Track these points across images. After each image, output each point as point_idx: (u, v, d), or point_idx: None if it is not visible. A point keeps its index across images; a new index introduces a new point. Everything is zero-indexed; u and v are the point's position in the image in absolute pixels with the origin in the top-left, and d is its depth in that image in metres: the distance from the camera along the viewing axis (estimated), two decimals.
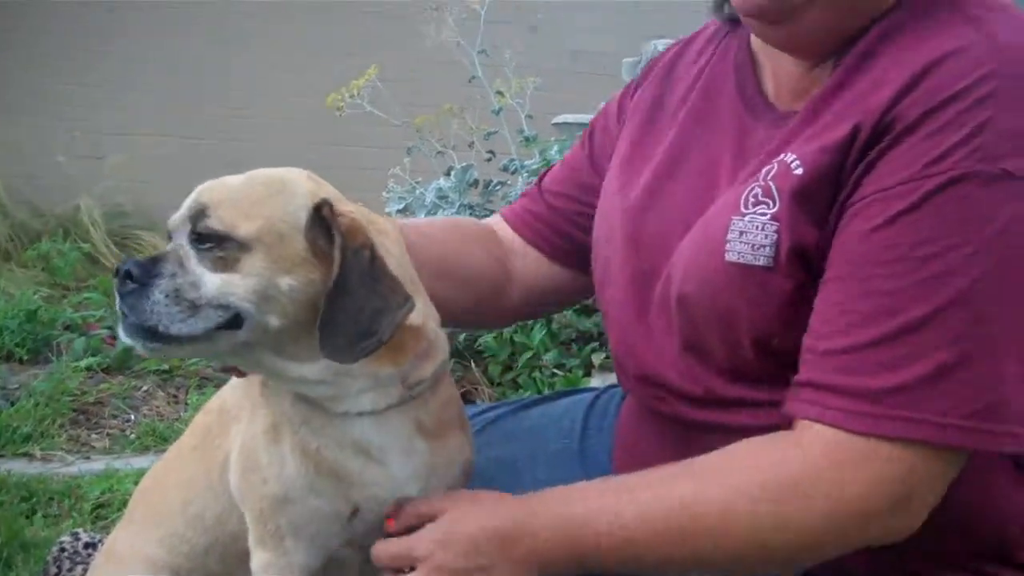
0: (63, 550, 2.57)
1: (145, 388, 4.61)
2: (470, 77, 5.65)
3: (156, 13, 7.98)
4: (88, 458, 3.88)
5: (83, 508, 3.26)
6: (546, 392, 3.62)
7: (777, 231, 1.62)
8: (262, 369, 1.69)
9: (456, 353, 4.63)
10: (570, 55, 8.64)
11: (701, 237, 1.72)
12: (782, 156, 1.65)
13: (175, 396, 4.64)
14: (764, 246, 1.62)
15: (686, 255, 1.74)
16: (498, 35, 5.86)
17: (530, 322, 4.53)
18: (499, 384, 4.58)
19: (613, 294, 1.97)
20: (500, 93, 5.62)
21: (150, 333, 1.55)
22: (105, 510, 3.35)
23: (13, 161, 7.29)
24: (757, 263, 1.63)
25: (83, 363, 4.67)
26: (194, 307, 1.56)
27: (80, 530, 2.69)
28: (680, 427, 1.88)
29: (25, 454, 3.86)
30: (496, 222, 2.29)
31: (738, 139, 1.81)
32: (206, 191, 1.64)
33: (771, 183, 1.64)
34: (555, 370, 4.47)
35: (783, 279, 1.62)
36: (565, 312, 4.56)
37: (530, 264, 2.23)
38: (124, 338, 1.59)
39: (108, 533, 2.12)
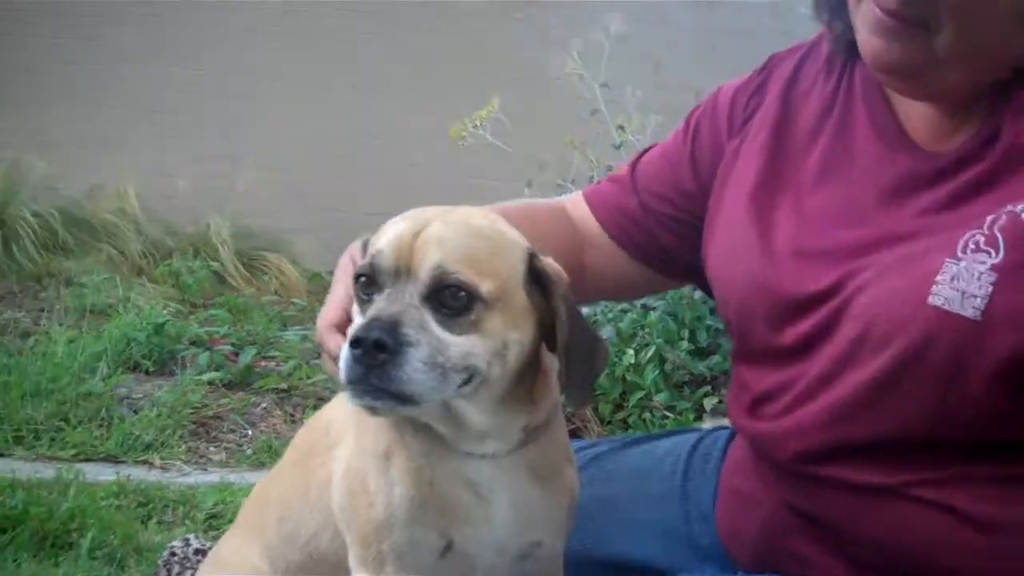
0: (173, 554, 2.68)
1: (264, 405, 4.74)
2: (592, 111, 5.70)
3: (288, 39, 8.22)
4: (205, 469, 4.00)
5: (196, 517, 3.37)
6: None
7: (994, 283, 1.54)
8: (440, 419, 1.69)
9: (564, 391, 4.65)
10: (693, 94, 8.61)
11: (901, 277, 1.63)
12: (1011, 207, 1.57)
13: (292, 415, 4.76)
14: (975, 296, 1.54)
15: (871, 293, 1.66)
16: (621, 71, 5.91)
17: (643, 362, 4.53)
18: (609, 423, 4.58)
19: (749, 329, 1.91)
20: (621, 128, 5.65)
21: (399, 398, 1.53)
22: (217, 520, 3.46)
23: (148, 182, 7.57)
24: (964, 313, 1.55)
25: (205, 377, 4.83)
26: (443, 372, 1.54)
27: (191, 536, 2.80)
28: (795, 478, 1.85)
29: (145, 462, 4.00)
30: (575, 204, 2.21)
31: (878, 175, 1.77)
32: (435, 245, 1.59)
33: (997, 233, 1.56)
34: (666, 412, 4.46)
35: (991, 336, 1.54)
36: (679, 353, 4.55)
37: (606, 257, 2.18)
38: (363, 402, 1.55)
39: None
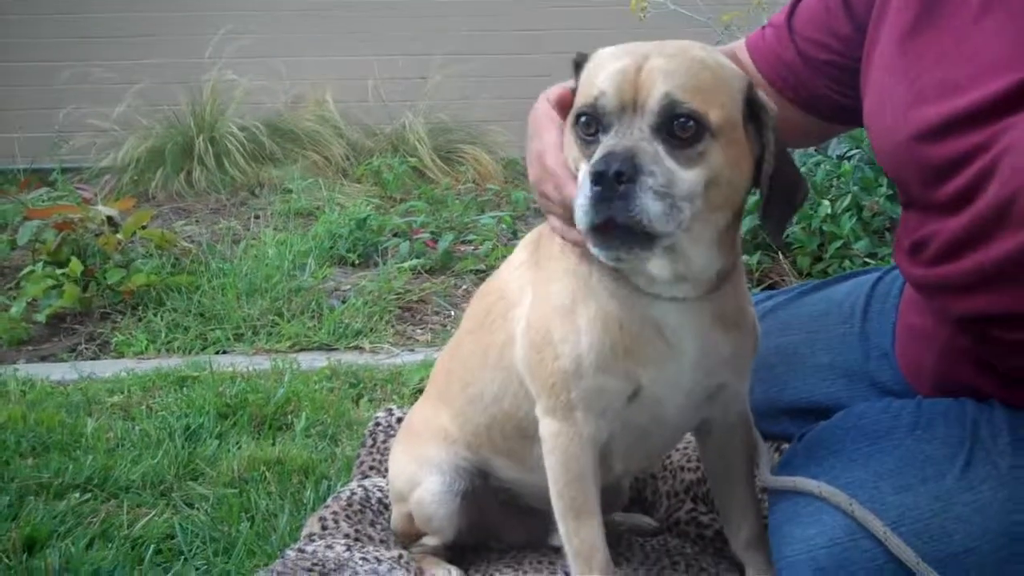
0: (378, 424, 2.82)
1: (464, 286, 4.87)
2: None
3: None
4: (412, 350, 4.14)
5: (403, 392, 3.50)
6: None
7: None
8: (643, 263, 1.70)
9: (763, 245, 4.61)
10: None
11: None
12: None
13: None
14: None
15: (1021, 154, 1.58)
16: None
17: (839, 211, 4.43)
18: (808, 275, 4.52)
19: (903, 180, 1.87)
20: None
21: (642, 238, 1.54)
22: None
23: (345, 88, 7.78)
24: None
25: (407, 265, 4.99)
26: (673, 204, 1.55)
27: (393, 407, 2.93)
28: (957, 323, 1.84)
29: (356, 347, 4.17)
30: (740, 51, 2.15)
31: None
32: (661, 77, 1.59)
33: None
34: (867, 259, 4.36)
35: None
36: (876, 199, 4.44)
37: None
38: (609, 252, 1.57)
39: None
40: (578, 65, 1.76)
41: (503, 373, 1.97)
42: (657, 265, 1.70)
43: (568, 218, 1.69)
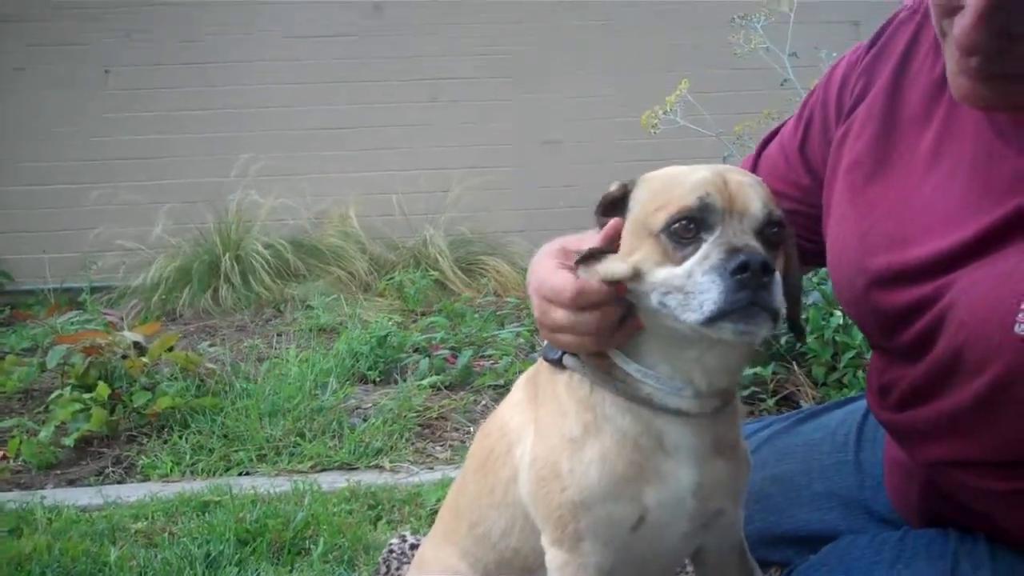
0: (391, 551, 2.87)
1: (483, 402, 4.92)
2: (782, 80, 5.65)
3: (482, 50, 8.48)
4: (431, 468, 4.18)
5: (420, 514, 3.54)
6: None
7: None
8: (693, 356, 1.77)
9: (777, 356, 4.66)
10: None
11: (989, 299, 1.60)
12: None
13: None
14: None
15: (965, 310, 1.64)
16: (816, 34, 5.85)
17: (850, 322, 4.49)
18: (824, 384, 4.55)
19: (862, 325, 1.95)
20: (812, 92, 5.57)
21: (772, 317, 1.61)
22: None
23: (368, 203, 7.97)
24: None
25: (427, 381, 5.06)
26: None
27: (407, 533, 2.98)
28: (940, 468, 1.88)
29: (376, 466, 4.22)
30: None
31: (985, 167, 1.69)
32: (751, 188, 1.72)
33: None
34: None
35: None
36: None
37: None
38: (746, 327, 1.60)
39: None
40: (623, 194, 1.83)
41: (509, 510, 2.00)
42: (697, 361, 1.77)
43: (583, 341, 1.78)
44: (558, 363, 1.90)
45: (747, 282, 1.58)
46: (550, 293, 1.84)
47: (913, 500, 2.03)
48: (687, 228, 1.67)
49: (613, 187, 1.84)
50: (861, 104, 1.91)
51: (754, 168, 2.17)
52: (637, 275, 1.73)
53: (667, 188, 1.74)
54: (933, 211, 1.73)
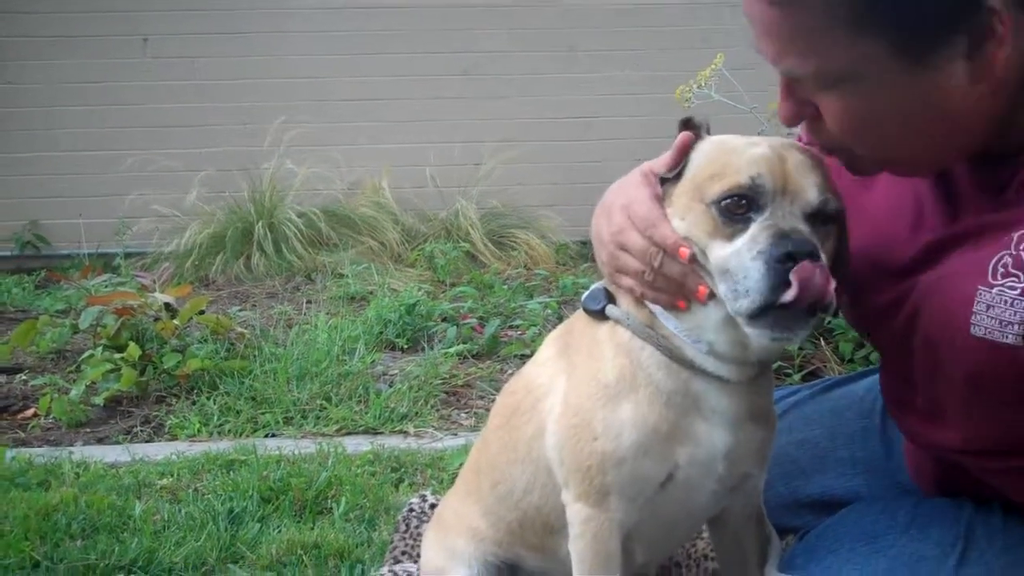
0: (411, 510, 2.89)
1: (509, 371, 4.94)
2: None
3: (512, 29, 8.47)
4: (455, 434, 4.21)
5: (443, 477, 3.57)
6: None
7: None
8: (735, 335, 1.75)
9: None
10: None
11: (944, 300, 1.64)
12: None
13: None
14: (1011, 323, 1.53)
15: (927, 315, 1.68)
16: None
17: None
18: (851, 361, 4.54)
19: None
20: None
21: (821, 309, 1.60)
22: None
23: (401, 174, 7.99)
24: (1005, 340, 1.54)
25: (453, 350, 5.09)
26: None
27: (427, 492, 3.00)
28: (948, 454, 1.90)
29: (401, 431, 4.25)
30: None
31: (944, 180, 1.74)
32: (810, 170, 1.69)
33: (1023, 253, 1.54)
34: None
35: None
36: None
37: None
38: (789, 335, 1.61)
39: None
40: (687, 127, 1.80)
41: (532, 466, 2.00)
42: (735, 338, 1.76)
43: (647, 275, 1.77)
44: (600, 314, 1.89)
45: (792, 270, 1.56)
46: (641, 220, 1.80)
47: (932, 472, 2.05)
48: (738, 204, 1.66)
49: (683, 131, 1.80)
50: None
51: None
52: (689, 233, 1.73)
53: (723, 157, 1.72)
54: (900, 219, 1.78)
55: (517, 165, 8.04)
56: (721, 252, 1.66)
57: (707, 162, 1.75)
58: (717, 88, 5.61)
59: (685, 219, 1.74)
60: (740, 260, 1.62)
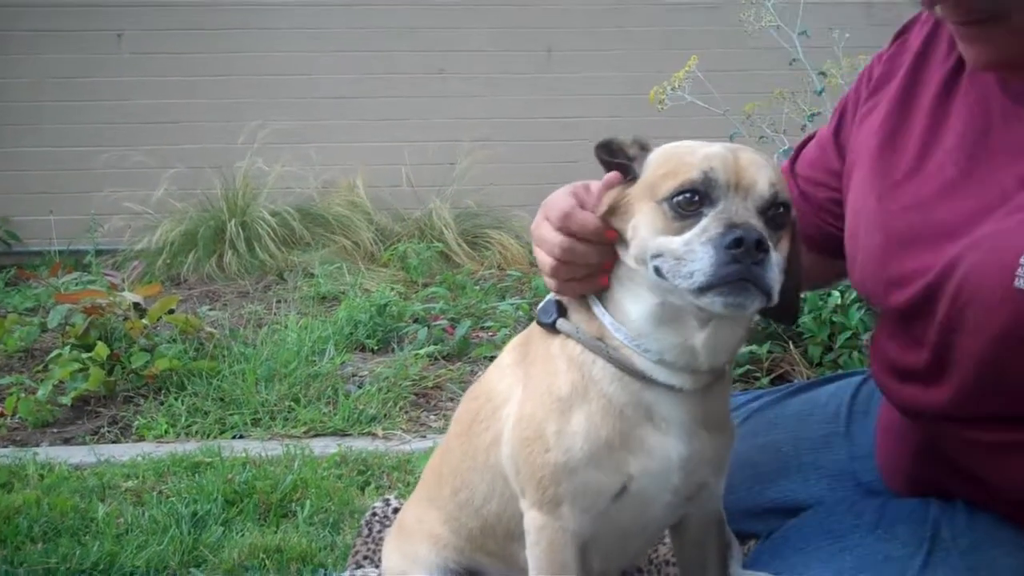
0: (374, 514, 2.88)
1: (480, 373, 4.90)
2: (790, 60, 5.63)
3: (487, 26, 8.47)
4: (424, 437, 4.20)
5: (409, 480, 3.55)
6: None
7: None
8: (695, 331, 1.75)
9: (774, 335, 4.66)
10: None
11: (990, 253, 1.64)
12: None
13: None
14: None
15: (969, 269, 1.67)
16: (827, 13, 5.83)
17: (848, 302, 4.49)
18: (819, 364, 4.55)
19: (869, 290, 1.95)
20: (822, 73, 5.55)
21: (764, 296, 1.61)
22: None
23: (376, 173, 7.96)
24: None
25: (424, 351, 5.07)
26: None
27: (391, 497, 3.00)
28: (931, 428, 1.91)
29: (369, 433, 4.24)
30: None
31: (1002, 130, 1.74)
32: (761, 166, 1.71)
33: None
34: None
35: None
36: None
37: None
38: (737, 299, 1.60)
39: None
40: (635, 154, 1.81)
41: (490, 474, 2.00)
42: (699, 338, 1.76)
43: (559, 266, 1.80)
44: (551, 327, 1.89)
45: (740, 257, 1.57)
46: (549, 209, 1.85)
47: (904, 464, 2.06)
48: (690, 201, 1.66)
49: (631, 140, 1.82)
50: (883, 88, 1.96)
51: (793, 162, 2.22)
52: (635, 233, 1.73)
53: (677, 157, 1.73)
54: (943, 177, 1.77)
55: (492, 165, 8.02)
56: (667, 240, 1.67)
57: (659, 163, 1.76)
58: (691, 90, 5.63)
59: (634, 218, 1.75)
60: (690, 247, 1.63)
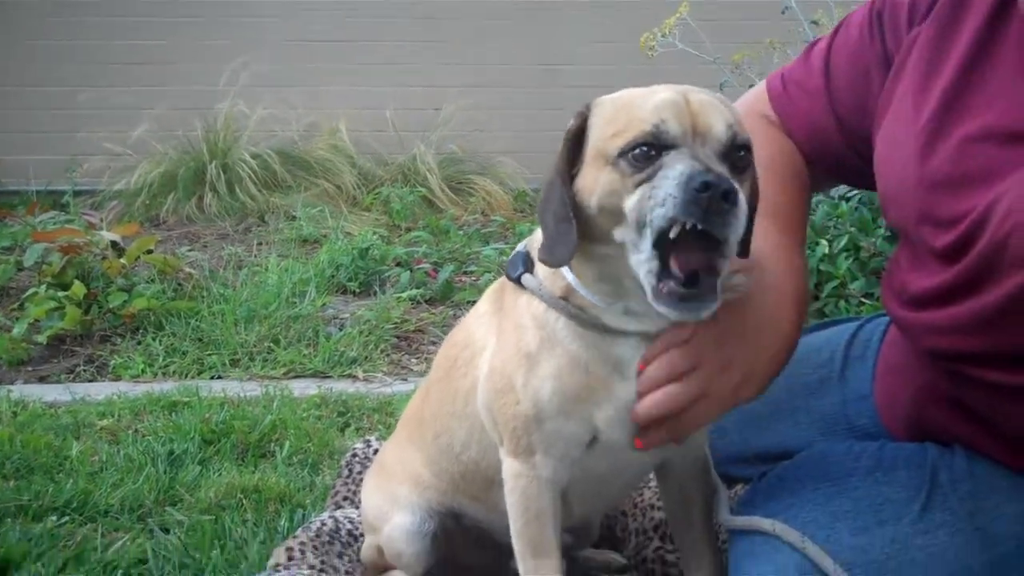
0: (355, 455, 2.83)
1: (462, 317, 4.87)
2: (783, 8, 5.55)
3: None
4: (405, 380, 4.16)
5: (390, 423, 3.51)
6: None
7: None
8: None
9: None
10: None
11: None
12: None
13: None
14: None
15: (1013, 201, 1.59)
16: None
17: (836, 251, 4.44)
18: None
19: (903, 225, 1.85)
20: (815, 22, 5.48)
21: (719, 248, 1.53)
22: None
23: (359, 118, 7.86)
24: None
25: (406, 295, 5.02)
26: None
27: (371, 438, 2.94)
28: (940, 365, 1.85)
29: (350, 375, 4.19)
30: (765, 105, 2.09)
31: None
32: (716, 109, 1.61)
33: None
34: (863, 299, 4.36)
35: None
36: (874, 240, 4.44)
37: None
38: (694, 310, 1.55)
39: None
40: (582, 123, 1.70)
41: (468, 421, 1.98)
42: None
43: None
44: (517, 281, 1.84)
45: (705, 203, 1.49)
46: None
47: (903, 404, 2.01)
48: (646, 155, 1.57)
49: (571, 121, 1.71)
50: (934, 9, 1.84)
51: (827, 89, 2.02)
52: (606, 212, 1.63)
53: (623, 111, 1.63)
54: (988, 110, 1.68)
55: (477, 111, 7.93)
56: (634, 198, 1.57)
57: (607, 121, 1.65)
58: (681, 37, 5.55)
59: (595, 190, 1.64)
60: (654, 185, 1.54)
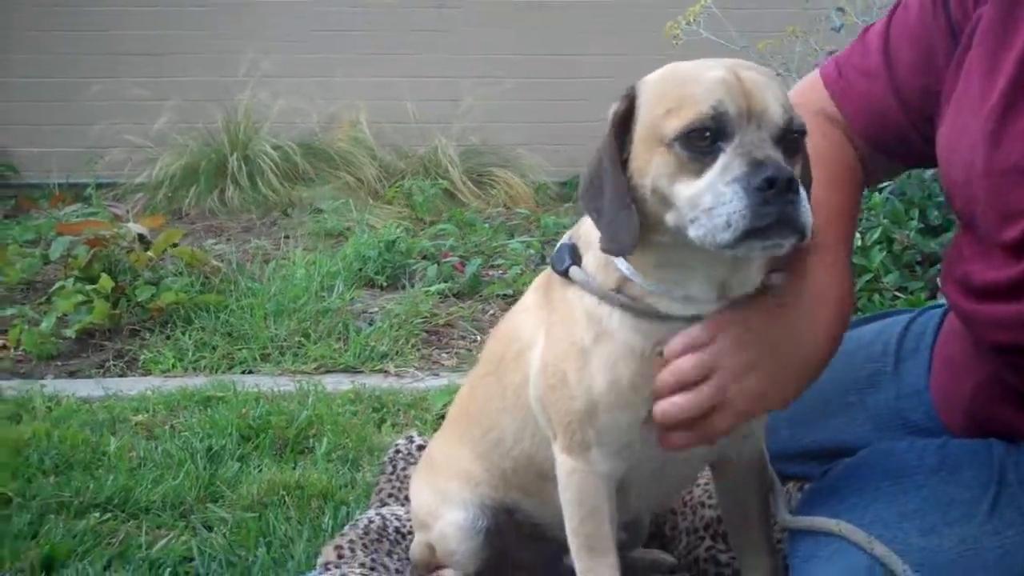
0: (398, 451, 2.81)
1: (491, 311, 4.86)
2: None
3: None
4: (436, 374, 4.13)
5: (426, 418, 3.49)
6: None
7: None
8: (719, 268, 1.67)
9: None
10: None
11: None
12: None
13: None
14: None
15: None
16: None
17: (869, 243, 4.40)
18: (859, 311, 4.48)
19: (970, 213, 1.79)
20: (841, 9, 5.44)
21: (799, 233, 1.52)
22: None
23: (379, 109, 7.82)
24: None
25: (434, 288, 5.00)
26: None
27: (414, 434, 2.93)
28: (1002, 357, 1.82)
29: (381, 370, 4.17)
30: (814, 91, 2.04)
31: None
32: (770, 89, 1.58)
33: None
34: (896, 292, 4.31)
35: None
36: (908, 233, 4.39)
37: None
38: (773, 242, 1.52)
39: None
40: (629, 106, 1.67)
41: (520, 414, 1.96)
42: (722, 272, 1.69)
43: None
44: (564, 275, 1.82)
45: (772, 199, 1.47)
46: None
47: (963, 399, 1.98)
48: (702, 137, 1.54)
49: (616, 104, 1.68)
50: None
51: (888, 71, 1.96)
52: (657, 195, 1.61)
53: (677, 89, 1.60)
54: None
55: (497, 102, 7.88)
56: (690, 190, 1.55)
57: (658, 99, 1.62)
58: (706, 26, 5.52)
59: (647, 172, 1.62)
60: (715, 191, 1.51)
